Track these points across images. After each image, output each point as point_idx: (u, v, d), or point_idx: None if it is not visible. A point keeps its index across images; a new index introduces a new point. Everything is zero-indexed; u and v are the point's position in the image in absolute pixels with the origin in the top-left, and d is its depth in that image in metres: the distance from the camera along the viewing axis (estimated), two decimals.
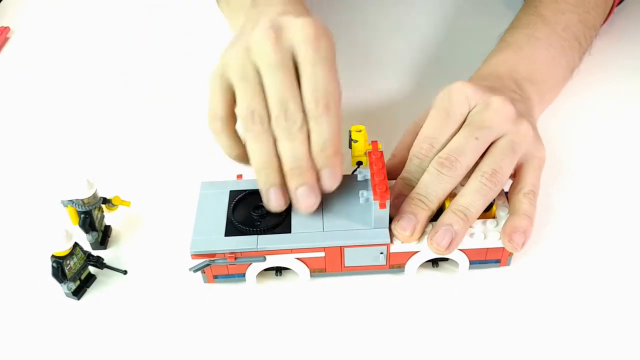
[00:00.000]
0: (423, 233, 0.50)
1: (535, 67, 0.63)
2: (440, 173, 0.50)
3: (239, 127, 0.52)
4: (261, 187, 0.50)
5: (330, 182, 0.50)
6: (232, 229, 0.50)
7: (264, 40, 0.49)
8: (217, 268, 0.51)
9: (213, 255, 0.50)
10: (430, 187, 0.50)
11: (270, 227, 0.50)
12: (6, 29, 0.84)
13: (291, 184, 0.50)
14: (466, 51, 0.74)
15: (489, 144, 0.52)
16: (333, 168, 0.50)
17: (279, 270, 0.53)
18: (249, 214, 0.51)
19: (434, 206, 0.50)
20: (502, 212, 0.52)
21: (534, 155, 0.54)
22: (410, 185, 0.52)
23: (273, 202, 0.50)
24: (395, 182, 0.53)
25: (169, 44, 0.80)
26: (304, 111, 0.49)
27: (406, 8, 0.83)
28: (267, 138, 0.49)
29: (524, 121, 0.53)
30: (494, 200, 0.51)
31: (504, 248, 0.51)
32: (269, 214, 0.51)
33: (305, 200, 0.49)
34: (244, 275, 0.52)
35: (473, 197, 0.50)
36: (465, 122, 0.53)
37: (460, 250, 0.51)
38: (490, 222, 0.51)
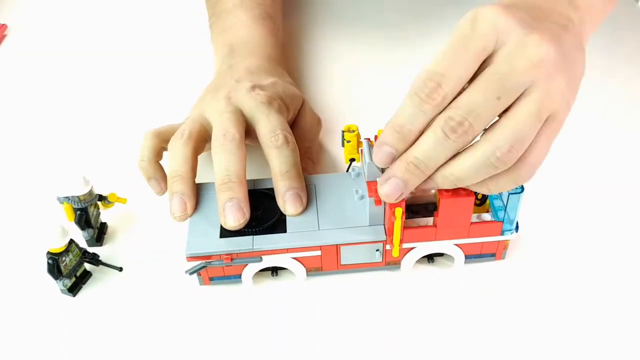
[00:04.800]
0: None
1: None
2: (448, 139, 0.41)
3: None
4: (220, 200, 0.49)
5: (294, 206, 0.49)
6: (227, 231, 0.49)
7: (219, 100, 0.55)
8: (213, 270, 0.49)
9: (209, 257, 0.48)
10: (433, 153, 0.42)
11: (266, 227, 0.49)
12: (3, 27, 0.82)
13: (220, 197, 0.49)
14: None
15: (512, 102, 0.41)
16: (296, 191, 0.49)
17: (275, 271, 0.51)
18: None
19: (429, 173, 0.43)
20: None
21: (554, 118, 0.42)
22: (402, 134, 0.42)
23: (229, 217, 0.48)
24: (385, 127, 0.43)
25: (167, 42, 0.79)
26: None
27: (411, 5, 0.82)
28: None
29: (559, 77, 0.41)
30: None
31: (499, 242, 0.50)
32: (263, 214, 0.50)
33: (231, 214, 0.48)
34: (240, 276, 0.50)
35: (471, 168, 0.41)
36: (490, 69, 0.40)
37: (456, 245, 0.50)
38: (484, 216, 0.50)
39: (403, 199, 0.44)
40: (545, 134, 0.42)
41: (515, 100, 0.41)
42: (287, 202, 0.49)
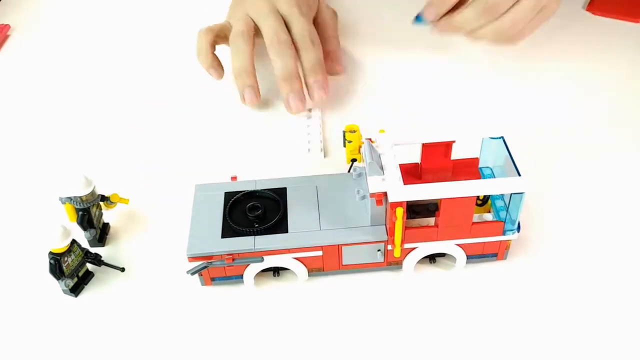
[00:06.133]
0: None
1: None
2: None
3: None
4: (283, 92, 0.64)
5: (319, 93, 0.63)
6: (228, 231, 0.48)
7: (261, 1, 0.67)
8: (214, 270, 0.49)
9: (210, 257, 0.48)
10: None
11: (267, 228, 0.48)
12: (6, 27, 0.82)
13: (283, 89, 0.63)
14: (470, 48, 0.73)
15: None
16: (320, 84, 0.63)
17: (276, 271, 0.51)
18: (245, 215, 0.49)
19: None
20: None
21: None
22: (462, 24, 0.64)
23: (292, 104, 0.63)
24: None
25: (169, 43, 0.79)
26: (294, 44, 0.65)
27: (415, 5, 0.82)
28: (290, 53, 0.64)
29: None
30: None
31: (500, 242, 0.50)
32: (265, 214, 0.49)
33: (294, 103, 0.63)
34: (241, 277, 0.50)
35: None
36: None
37: (458, 245, 0.49)
38: (486, 216, 0.50)
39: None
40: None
41: None
42: (314, 91, 0.63)
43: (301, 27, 0.65)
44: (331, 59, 0.69)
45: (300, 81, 0.64)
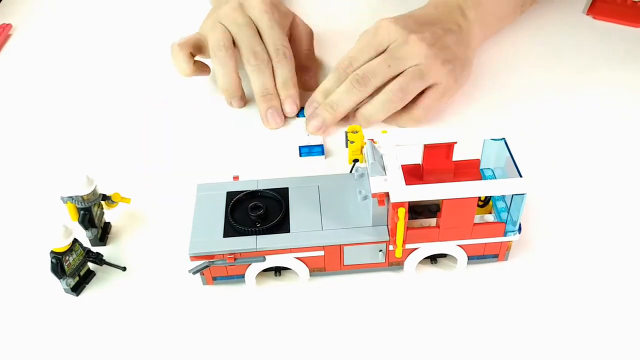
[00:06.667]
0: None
1: None
2: (353, 87, 0.61)
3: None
4: (262, 110, 0.64)
5: (291, 108, 0.64)
6: (230, 230, 0.49)
7: (234, 10, 0.66)
8: (216, 269, 0.49)
9: (212, 256, 0.48)
10: (343, 97, 0.61)
11: (269, 227, 0.48)
12: (8, 26, 0.82)
13: (262, 107, 0.64)
14: None
15: (400, 71, 0.61)
16: (292, 98, 0.64)
17: (278, 271, 0.51)
18: (246, 214, 0.49)
19: (341, 113, 0.62)
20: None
21: (437, 85, 0.62)
22: (325, 94, 0.63)
23: (270, 120, 0.64)
24: (316, 90, 0.64)
25: (170, 42, 0.79)
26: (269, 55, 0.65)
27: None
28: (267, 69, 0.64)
29: (433, 59, 0.61)
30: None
31: (501, 243, 0.50)
32: (267, 214, 0.49)
33: (272, 119, 0.64)
34: (243, 276, 0.50)
35: (377, 105, 0.61)
36: (385, 51, 0.62)
37: (459, 245, 0.49)
38: (487, 217, 0.50)
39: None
40: (428, 93, 0.62)
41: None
42: (286, 106, 0.64)
43: (273, 37, 0.65)
44: (307, 74, 0.69)
45: (277, 98, 0.64)
